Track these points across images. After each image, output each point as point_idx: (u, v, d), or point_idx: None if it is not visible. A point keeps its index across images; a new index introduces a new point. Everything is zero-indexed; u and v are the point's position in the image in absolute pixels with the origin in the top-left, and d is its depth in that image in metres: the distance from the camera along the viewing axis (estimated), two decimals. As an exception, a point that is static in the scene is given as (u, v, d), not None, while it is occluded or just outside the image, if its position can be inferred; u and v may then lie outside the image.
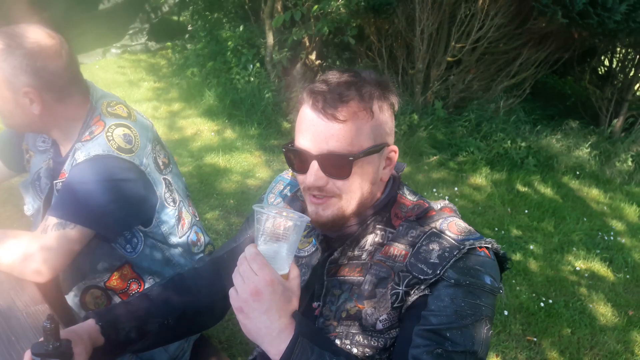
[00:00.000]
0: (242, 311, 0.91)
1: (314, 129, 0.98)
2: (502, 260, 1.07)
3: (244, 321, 0.92)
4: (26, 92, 1.33)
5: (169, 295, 1.23)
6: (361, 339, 1.03)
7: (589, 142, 5.32)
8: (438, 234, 1.02)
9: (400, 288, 1.00)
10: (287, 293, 0.92)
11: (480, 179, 4.76)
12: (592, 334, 2.90)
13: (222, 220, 3.51)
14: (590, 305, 3.15)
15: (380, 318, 1.02)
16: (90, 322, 1.10)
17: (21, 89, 1.33)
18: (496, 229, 3.88)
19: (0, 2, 4.48)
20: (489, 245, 1.02)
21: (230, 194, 3.85)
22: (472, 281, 0.97)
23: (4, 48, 1.30)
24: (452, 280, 0.97)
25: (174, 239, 1.56)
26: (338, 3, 4.73)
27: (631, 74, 6.01)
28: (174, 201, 1.55)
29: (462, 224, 1.05)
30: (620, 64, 6.30)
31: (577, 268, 3.51)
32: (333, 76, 1.01)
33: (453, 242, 1.00)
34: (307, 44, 5.68)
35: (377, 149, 1.01)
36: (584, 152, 5.22)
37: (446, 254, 0.98)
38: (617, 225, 4.29)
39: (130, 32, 7.09)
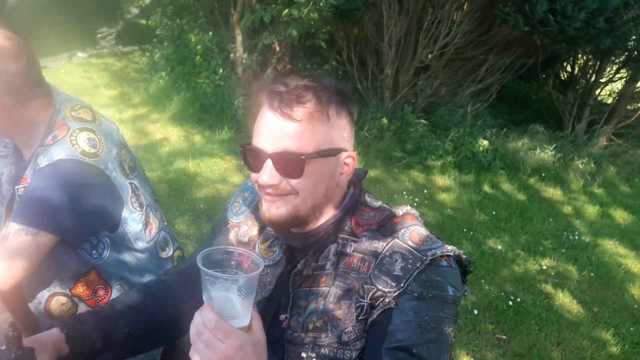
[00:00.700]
0: None
1: (270, 128, 0.99)
2: (465, 265, 1.09)
3: None
4: None
5: (136, 306, 1.21)
6: (327, 351, 1.04)
7: (554, 145, 5.48)
8: (400, 244, 1.03)
9: (365, 301, 1.01)
10: (257, 349, 0.88)
11: (449, 181, 4.84)
12: (559, 331, 2.97)
13: (192, 225, 3.47)
14: (557, 303, 3.23)
15: (346, 330, 1.02)
16: (55, 331, 1.08)
17: None
18: (465, 230, 3.95)
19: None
20: (451, 254, 1.04)
21: (200, 199, 3.81)
22: (435, 294, 0.99)
23: None
24: (415, 294, 0.98)
25: (141, 244, 1.53)
26: (308, 8, 4.75)
27: (592, 79, 6.23)
28: (140, 206, 1.52)
29: (424, 232, 1.06)
30: (581, 70, 6.51)
31: (544, 267, 3.61)
32: (293, 80, 1.02)
33: (416, 252, 1.01)
34: (277, 48, 5.68)
35: (332, 152, 1.02)
36: (548, 154, 5.37)
37: (409, 266, 1.00)
38: (581, 225, 4.42)
39: (98, 35, 6.97)
